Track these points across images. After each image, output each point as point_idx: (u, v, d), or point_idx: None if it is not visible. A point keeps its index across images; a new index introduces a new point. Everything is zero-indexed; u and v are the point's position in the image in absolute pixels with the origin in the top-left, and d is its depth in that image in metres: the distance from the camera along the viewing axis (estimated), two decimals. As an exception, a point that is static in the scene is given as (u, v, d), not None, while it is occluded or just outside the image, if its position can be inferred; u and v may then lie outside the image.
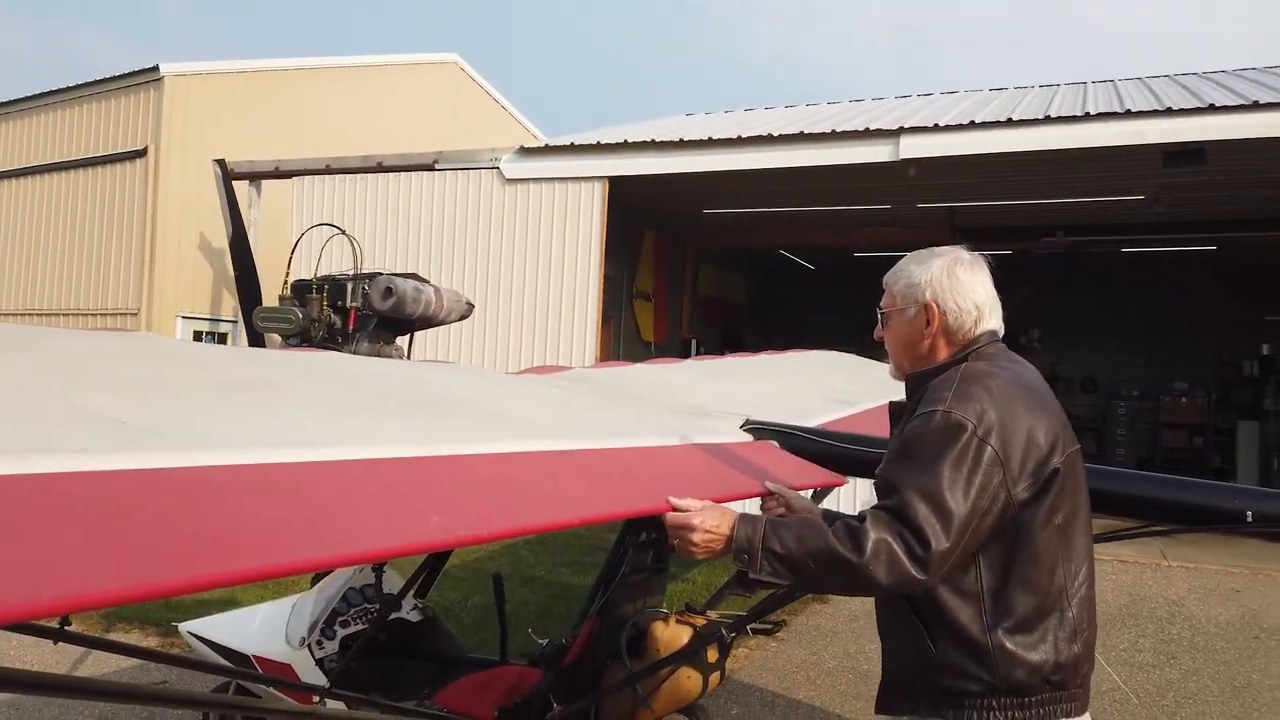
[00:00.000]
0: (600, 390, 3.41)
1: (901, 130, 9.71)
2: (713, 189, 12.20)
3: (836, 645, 6.11)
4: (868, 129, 9.97)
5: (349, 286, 3.45)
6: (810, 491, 4.12)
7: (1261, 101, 8.68)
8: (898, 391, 4.87)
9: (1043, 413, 1.93)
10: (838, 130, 10.11)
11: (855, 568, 1.79)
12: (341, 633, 3.54)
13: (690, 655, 3.06)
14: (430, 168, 11.99)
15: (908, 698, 2.02)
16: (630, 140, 11.02)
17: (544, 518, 1.51)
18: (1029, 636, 1.85)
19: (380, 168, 12.17)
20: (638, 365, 4.65)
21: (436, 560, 3.83)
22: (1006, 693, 1.83)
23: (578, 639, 3.15)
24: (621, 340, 14.05)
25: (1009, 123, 9.42)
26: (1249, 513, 2.48)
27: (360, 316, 3.47)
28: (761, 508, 2.42)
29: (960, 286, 2.07)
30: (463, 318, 3.75)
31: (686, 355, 13.51)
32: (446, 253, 11.79)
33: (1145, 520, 2.63)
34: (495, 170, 11.60)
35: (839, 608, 6.98)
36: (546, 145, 12.01)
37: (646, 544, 3.29)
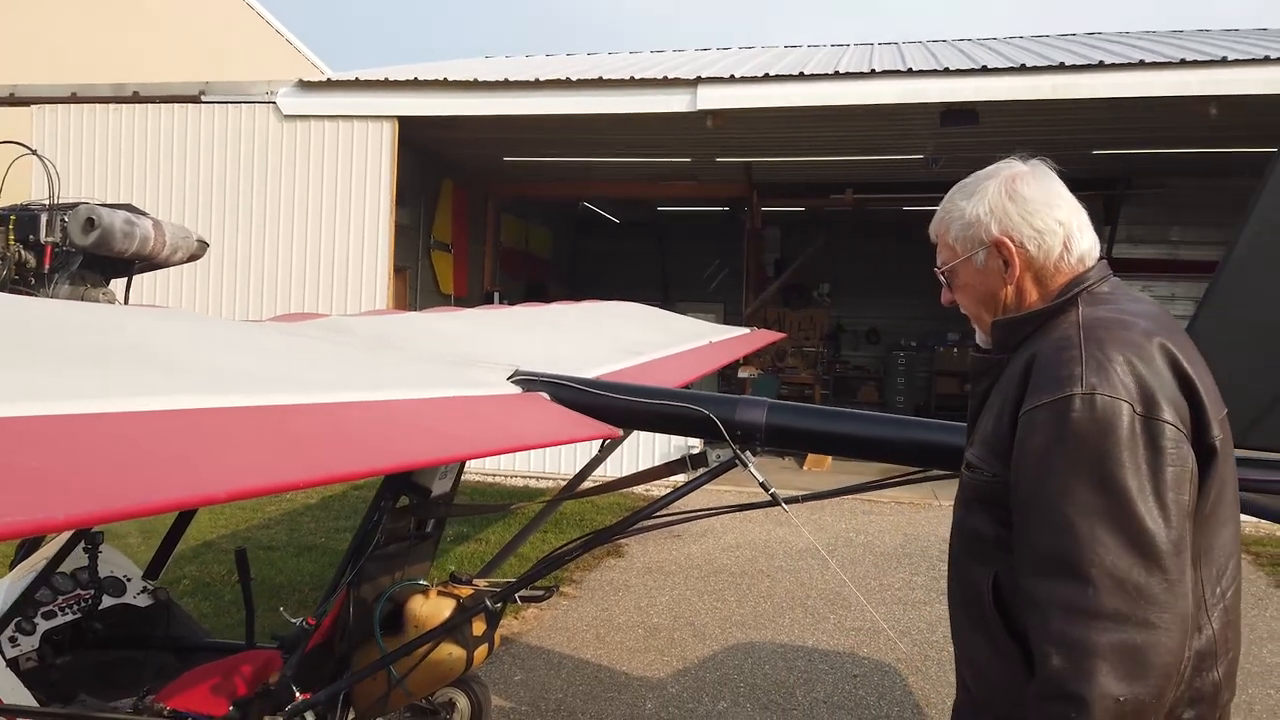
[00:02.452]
0: (353, 340, 3.04)
1: (699, 80, 9.65)
2: (513, 136, 11.76)
3: (628, 599, 6.04)
4: (666, 77, 9.84)
5: (42, 218, 2.88)
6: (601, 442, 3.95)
7: (1027, 65, 9.20)
8: (692, 340, 4.60)
9: (1195, 368, 1.45)
10: (636, 77, 9.92)
11: (1114, 718, 1.27)
12: (44, 625, 3.02)
13: (452, 629, 2.80)
14: (196, 100, 10.85)
15: None
16: (421, 78, 10.39)
17: (199, 488, 1.18)
18: None
19: (136, 98, 10.90)
20: (408, 314, 4.28)
21: (171, 536, 3.35)
22: None
23: (325, 618, 2.81)
24: (418, 293, 13.42)
25: (801, 76, 9.55)
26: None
27: (58, 254, 2.92)
28: None
29: (1031, 205, 1.58)
30: (193, 257, 3.25)
31: (486, 308, 13.08)
32: (217, 195, 10.75)
33: (926, 466, 2.59)
34: (271, 105, 10.64)
35: (632, 561, 6.93)
36: (329, 80, 11.16)
37: (406, 509, 2.98)
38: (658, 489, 7.83)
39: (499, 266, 15.92)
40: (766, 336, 6.53)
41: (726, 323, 13.39)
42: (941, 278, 1.75)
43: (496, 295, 15.25)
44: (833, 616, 5.77)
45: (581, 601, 5.97)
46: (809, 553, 7.21)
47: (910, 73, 9.39)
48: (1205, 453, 1.42)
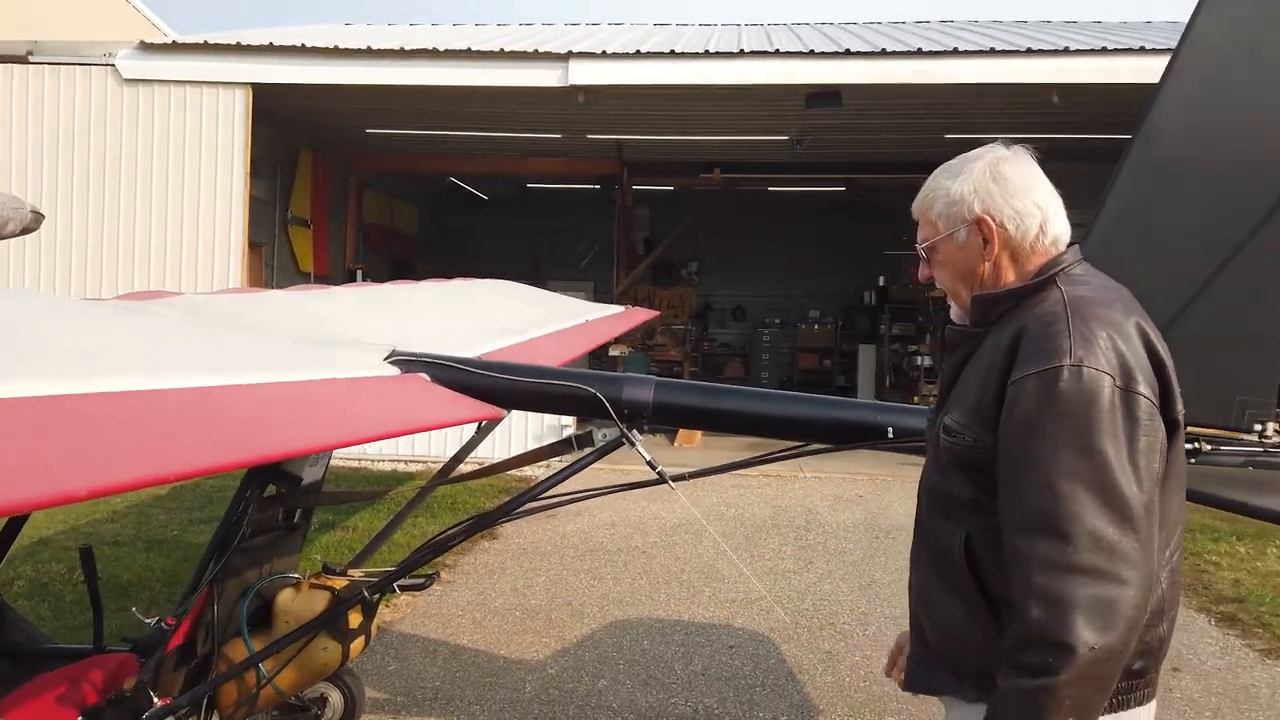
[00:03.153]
0: (212, 320, 2.84)
1: (570, 55, 9.53)
2: (376, 106, 11.33)
3: (504, 583, 5.96)
4: (536, 51, 9.67)
5: None
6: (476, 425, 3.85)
7: (888, 49, 9.50)
8: (569, 318, 4.52)
9: (1164, 346, 1.57)
10: (506, 50, 9.71)
11: (1089, 667, 1.38)
12: None
13: (327, 623, 2.67)
14: (24, 60, 9.96)
15: (953, 680, 1.70)
16: (278, 43, 9.85)
17: (56, 487, 1.05)
18: None
19: (-49, 54, 9.91)
20: (271, 292, 4.05)
21: (4, 536, 3.07)
22: None
23: (186, 617, 2.63)
24: (275, 270, 12.80)
25: (672, 55, 9.56)
26: (890, 429, 2.56)
27: None
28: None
29: (1012, 187, 1.67)
30: (26, 230, 2.95)
31: (349, 286, 12.60)
32: (50, 163, 9.92)
33: (803, 440, 2.63)
34: (110, 68, 9.88)
35: (507, 543, 6.84)
36: (175, 42, 10.45)
37: (274, 499, 2.82)
38: (535, 470, 7.75)
39: (362, 243, 15.36)
40: (642, 315, 6.54)
41: (597, 300, 13.39)
42: (921, 253, 1.81)
43: (360, 273, 14.72)
44: (708, 590, 5.86)
45: (456, 586, 5.85)
46: (683, 528, 7.30)
47: (778, 54, 9.54)
48: (1170, 426, 1.54)
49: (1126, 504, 1.42)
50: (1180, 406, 1.55)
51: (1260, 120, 2.52)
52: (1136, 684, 1.57)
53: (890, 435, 2.53)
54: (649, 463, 2.60)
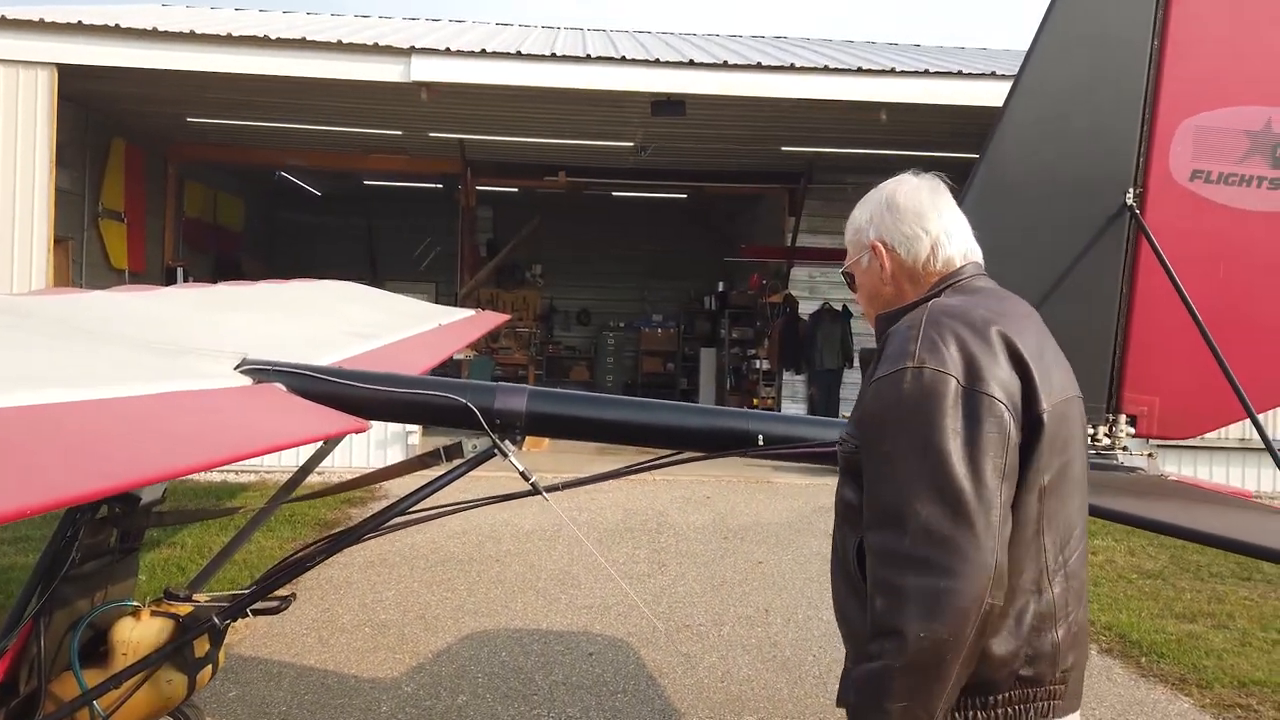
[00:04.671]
0: (36, 325, 2.58)
1: (414, 50, 9.27)
2: (198, 94, 10.65)
3: (351, 597, 5.72)
4: (377, 44, 9.35)
5: None
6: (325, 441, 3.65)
7: (730, 62, 9.76)
8: (422, 322, 4.38)
9: (1031, 350, 1.58)
10: (345, 41, 9.33)
11: (918, 654, 1.41)
12: None
13: (172, 653, 2.47)
14: None
15: None
16: (87, 22, 9.07)
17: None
18: (993, 624, 1.51)
19: None
20: (100, 293, 3.71)
21: None
22: (966, 690, 1.51)
23: (6, 653, 2.37)
24: (84, 267, 11.80)
25: (519, 55, 9.47)
26: (760, 436, 2.61)
27: None
28: None
29: (902, 214, 1.74)
30: None
31: (171, 285, 11.76)
32: None
33: (677, 448, 2.65)
34: (-115, 38, 8.83)
35: (353, 555, 6.55)
36: (-35, 14, 9.43)
37: (108, 520, 2.58)
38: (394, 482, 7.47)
39: (182, 238, 14.39)
40: (493, 319, 6.43)
41: (439, 303, 13.09)
42: (846, 280, 1.90)
43: (181, 271, 13.79)
44: (564, 597, 5.82)
45: (300, 602, 5.53)
46: (537, 534, 7.23)
47: (624, 60, 9.62)
48: (1033, 424, 1.54)
49: (961, 498, 1.44)
50: (1046, 407, 1.55)
51: (1092, 150, 2.74)
52: (1034, 693, 1.56)
53: (760, 442, 2.58)
54: (522, 474, 2.55)
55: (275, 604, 2.68)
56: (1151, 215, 2.70)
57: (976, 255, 1.77)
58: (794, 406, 14.15)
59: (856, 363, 13.81)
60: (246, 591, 2.68)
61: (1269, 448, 2.59)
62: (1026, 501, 1.54)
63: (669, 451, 2.69)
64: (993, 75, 9.79)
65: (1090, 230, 2.74)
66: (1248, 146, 2.68)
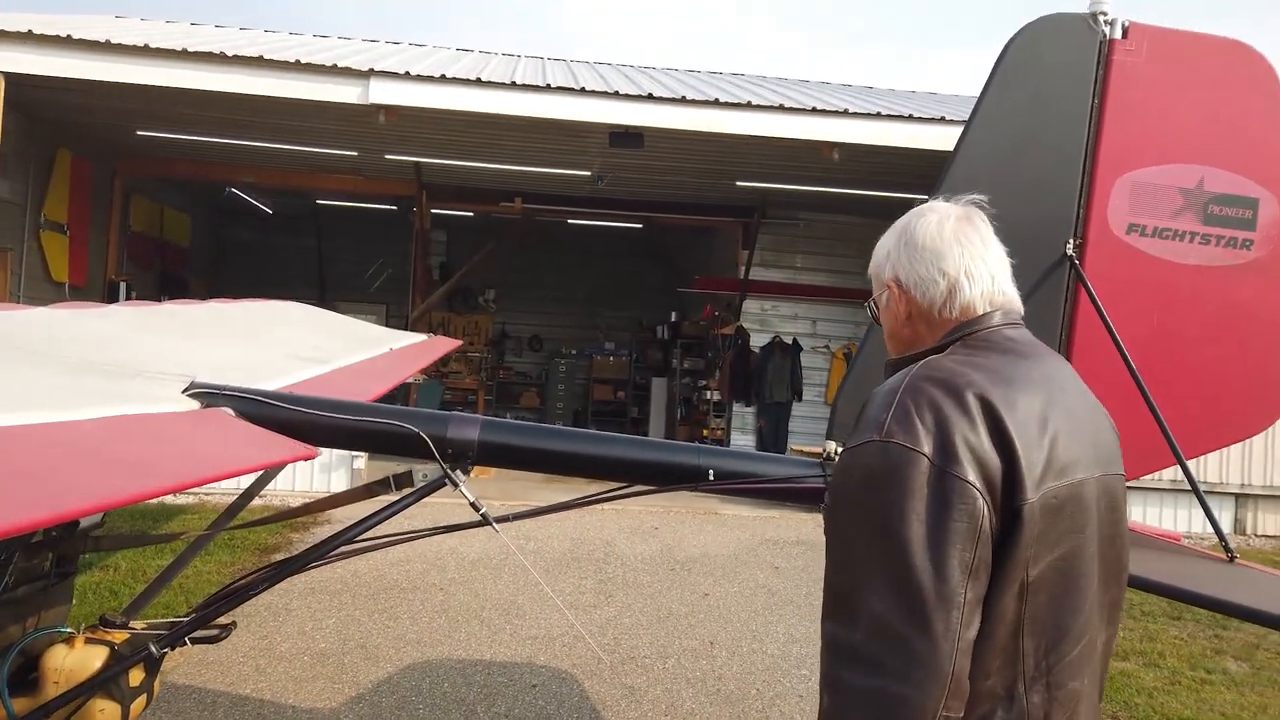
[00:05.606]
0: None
1: (373, 72, 9.25)
2: (150, 108, 10.48)
3: (290, 624, 5.61)
4: (336, 65, 9.31)
5: None
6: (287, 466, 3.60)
7: (688, 97, 9.90)
8: (373, 346, 4.36)
9: (1022, 424, 1.38)
10: (303, 61, 9.28)
11: None
12: None
13: (105, 682, 2.40)
14: None
15: None
16: (38, 32, 8.91)
17: None
18: None
19: None
20: (39, 310, 3.63)
21: None
22: None
23: (-70, 684, 2.29)
24: (23, 280, 11.49)
25: (479, 82, 9.50)
26: (711, 470, 2.64)
27: None
28: None
29: (918, 252, 1.57)
30: None
31: (114, 301, 11.50)
32: None
33: (625, 481, 2.67)
34: None
35: (292, 581, 6.42)
36: (-92, 18, 9.21)
37: (43, 544, 2.52)
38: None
39: (126, 253, 14.09)
40: (446, 344, 6.39)
41: (389, 325, 12.96)
42: (870, 314, 1.74)
43: (124, 286, 13.51)
44: (509, 627, 5.77)
45: (237, 630, 5.41)
46: (482, 563, 7.16)
47: (584, 91, 9.70)
48: (1013, 515, 1.35)
49: (919, 594, 1.27)
50: (1029, 494, 1.35)
51: (1036, 200, 2.84)
52: None
53: (711, 478, 2.61)
54: (473, 504, 2.55)
55: (215, 632, 2.63)
56: (1090, 266, 2.80)
57: (1005, 299, 1.57)
58: (743, 438, 14.26)
59: (805, 396, 14.02)
60: (185, 619, 2.63)
61: (1196, 492, 2.69)
62: (1002, 600, 1.34)
63: (619, 484, 2.70)
64: (942, 120, 10.07)
65: (1031, 278, 2.84)
66: (1181, 203, 2.81)
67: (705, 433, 14.64)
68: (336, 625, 5.64)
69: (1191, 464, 2.76)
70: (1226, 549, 2.52)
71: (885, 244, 1.65)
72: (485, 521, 2.56)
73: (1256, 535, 10.43)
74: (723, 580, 7.24)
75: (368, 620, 5.76)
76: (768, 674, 5.19)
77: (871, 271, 1.69)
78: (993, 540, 1.33)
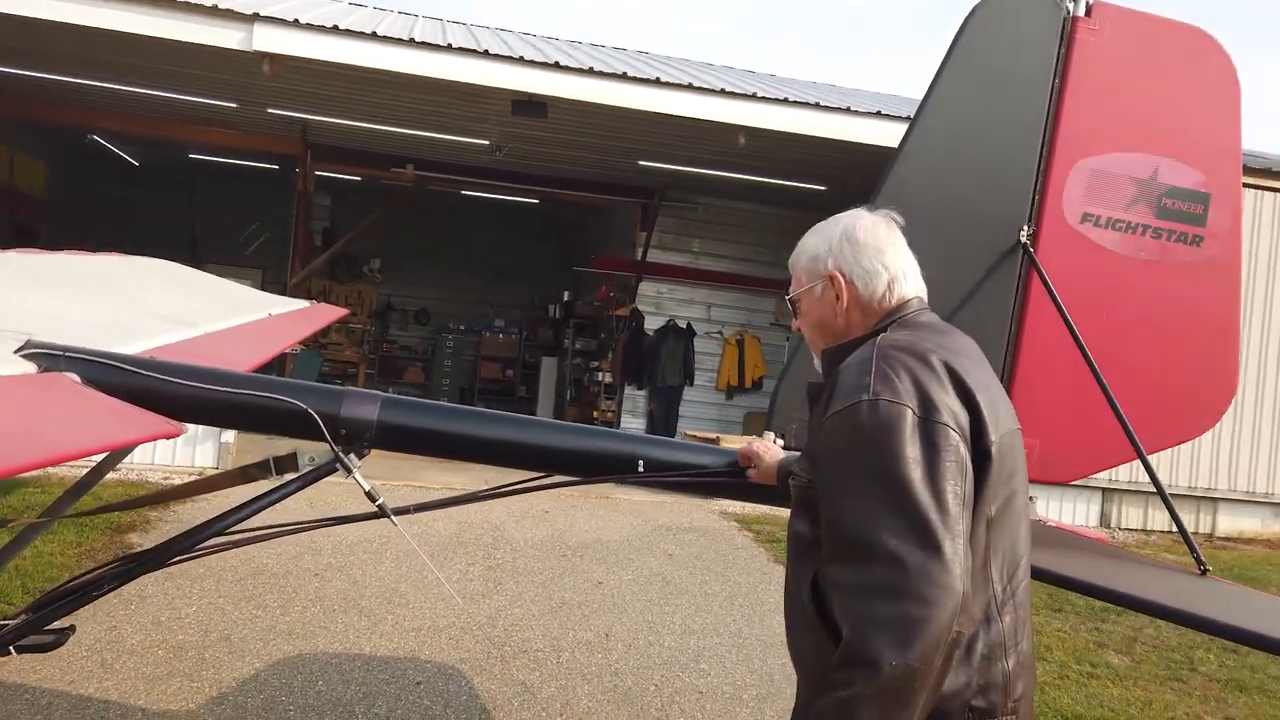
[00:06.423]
0: None
1: (257, 17, 8.55)
2: (-2, 38, 9.46)
3: (143, 614, 5.09)
4: (217, 6, 8.56)
5: None
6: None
7: (595, 69, 9.58)
8: (250, 311, 3.93)
9: (976, 383, 1.63)
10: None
11: (889, 683, 1.39)
12: None
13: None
14: None
15: None
16: None
17: None
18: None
19: None
20: None
21: None
22: None
23: None
24: None
25: (375, 36, 8.93)
26: (641, 461, 2.38)
27: None
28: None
29: (862, 249, 1.78)
30: None
31: (-52, 249, 10.38)
32: None
33: (547, 470, 2.38)
34: None
35: (151, 565, 5.88)
36: None
37: None
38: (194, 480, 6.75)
39: (-33, 199, 12.83)
40: (330, 312, 5.94)
41: (265, 290, 12.16)
42: (790, 305, 1.91)
43: (-36, 235, 12.29)
44: (390, 617, 5.39)
45: (80, 620, 4.88)
46: (361, 546, 6.73)
47: (486, 54, 9.25)
48: (981, 456, 1.58)
49: (928, 525, 1.45)
50: (993, 438, 1.60)
51: (990, 184, 2.68)
52: None
53: (640, 468, 2.36)
54: (368, 494, 2.22)
55: (50, 638, 2.22)
56: (1043, 254, 2.66)
57: (923, 291, 1.83)
58: (634, 421, 14.09)
59: (697, 381, 13.94)
60: (13, 622, 2.20)
61: (1159, 490, 2.61)
62: (976, 532, 1.57)
63: (538, 474, 2.42)
64: (848, 110, 10.04)
65: (983, 265, 2.68)
66: (1134, 193, 2.69)
67: (595, 414, 14.40)
68: (197, 615, 5.14)
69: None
70: (1199, 562, 2.42)
71: (819, 241, 1.84)
72: (382, 514, 2.25)
73: (1120, 529, 10.91)
74: (616, 568, 7.02)
75: (233, 609, 5.27)
76: (665, 668, 5.00)
77: (802, 266, 1.86)
78: (972, 479, 1.55)
